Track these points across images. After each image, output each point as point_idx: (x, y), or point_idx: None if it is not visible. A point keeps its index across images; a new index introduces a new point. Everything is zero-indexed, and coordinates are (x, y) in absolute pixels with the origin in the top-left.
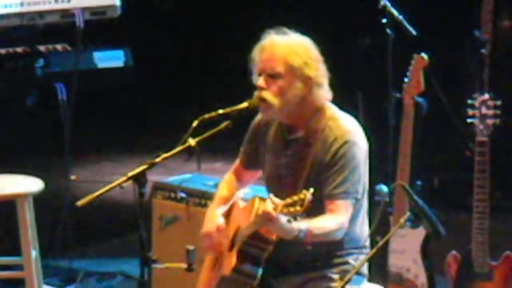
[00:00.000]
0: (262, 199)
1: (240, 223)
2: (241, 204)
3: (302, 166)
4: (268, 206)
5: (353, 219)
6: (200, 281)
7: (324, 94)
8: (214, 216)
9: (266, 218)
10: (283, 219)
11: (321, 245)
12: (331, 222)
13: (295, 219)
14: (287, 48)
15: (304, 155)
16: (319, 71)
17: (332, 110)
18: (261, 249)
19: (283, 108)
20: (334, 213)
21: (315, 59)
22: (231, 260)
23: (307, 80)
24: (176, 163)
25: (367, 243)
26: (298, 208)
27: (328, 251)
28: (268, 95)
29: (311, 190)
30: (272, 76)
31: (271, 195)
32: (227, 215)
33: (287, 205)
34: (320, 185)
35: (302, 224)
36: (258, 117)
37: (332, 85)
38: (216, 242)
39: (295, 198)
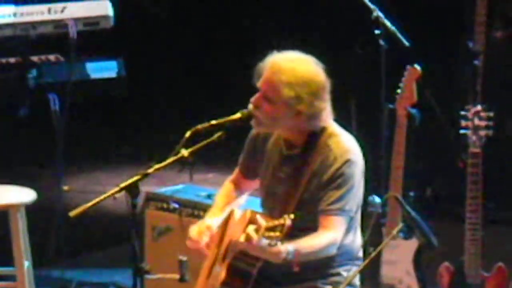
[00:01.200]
0: (254, 213)
1: (233, 236)
2: (237, 214)
3: (298, 184)
4: (251, 230)
5: (345, 231)
6: None
7: (320, 123)
8: (202, 221)
9: (248, 243)
10: (264, 243)
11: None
12: (321, 239)
13: (275, 244)
14: (285, 78)
15: (301, 173)
16: (313, 106)
17: (332, 127)
18: (250, 265)
19: (273, 129)
20: (327, 229)
21: (312, 93)
22: (221, 273)
23: (298, 114)
24: (169, 173)
25: (360, 254)
26: (277, 233)
27: (320, 263)
28: (259, 113)
29: (292, 216)
30: (266, 99)
31: (258, 216)
32: (225, 224)
33: (268, 229)
34: (314, 204)
35: (289, 246)
36: None
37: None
38: (196, 239)
39: (276, 222)
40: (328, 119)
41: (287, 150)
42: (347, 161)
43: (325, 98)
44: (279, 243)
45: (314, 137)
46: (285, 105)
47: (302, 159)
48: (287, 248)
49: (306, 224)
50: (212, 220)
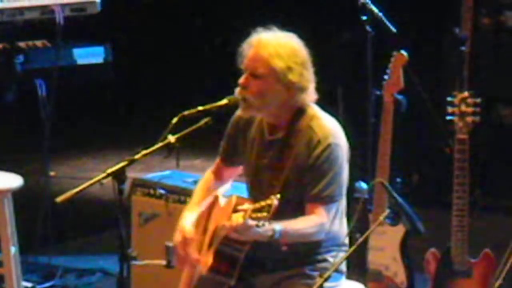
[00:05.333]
0: (240, 198)
1: (219, 222)
2: (222, 201)
3: (282, 168)
4: (236, 217)
5: (332, 217)
6: (181, 280)
7: (307, 97)
8: (183, 226)
9: (236, 229)
10: (252, 223)
11: (300, 243)
12: (309, 223)
13: (263, 225)
14: (273, 50)
15: (284, 156)
16: (303, 76)
17: (314, 110)
18: (237, 249)
19: (262, 109)
20: (315, 215)
21: (301, 64)
22: (208, 259)
23: (289, 85)
24: (156, 159)
25: (346, 240)
26: (265, 214)
27: (307, 249)
28: (248, 94)
29: (278, 196)
30: (254, 76)
31: (243, 203)
32: (209, 211)
33: (255, 210)
34: (299, 187)
35: (277, 225)
36: (239, 112)
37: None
38: (182, 255)
39: (263, 203)
40: (313, 95)
41: (270, 135)
42: (330, 145)
43: (311, 70)
44: (266, 223)
45: (297, 120)
46: (275, 78)
47: (285, 142)
48: (274, 226)
49: (291, 207)
50: (188, 227)
